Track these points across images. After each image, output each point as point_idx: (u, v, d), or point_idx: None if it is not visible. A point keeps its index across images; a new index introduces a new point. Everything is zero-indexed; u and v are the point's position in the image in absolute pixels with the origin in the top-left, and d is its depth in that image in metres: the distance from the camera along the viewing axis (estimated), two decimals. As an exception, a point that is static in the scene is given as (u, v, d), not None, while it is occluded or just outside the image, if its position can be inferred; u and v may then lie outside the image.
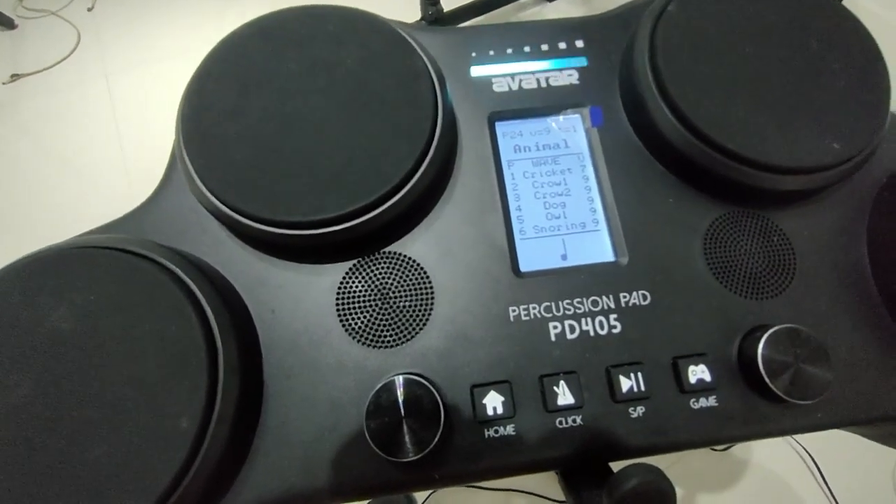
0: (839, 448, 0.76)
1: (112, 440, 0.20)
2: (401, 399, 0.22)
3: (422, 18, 1.35)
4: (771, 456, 0.78)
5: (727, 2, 0.28)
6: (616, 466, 0.24)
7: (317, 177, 0.24)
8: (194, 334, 0.21)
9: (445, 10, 1.34)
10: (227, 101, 0.25)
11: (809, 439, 0.77)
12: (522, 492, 0.80)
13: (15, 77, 1.37)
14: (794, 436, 0.78)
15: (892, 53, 0.30)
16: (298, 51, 0.27)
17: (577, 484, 0.23)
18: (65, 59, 1.41)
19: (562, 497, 0.80)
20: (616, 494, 0.19)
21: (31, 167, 1.24)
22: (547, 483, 0.81)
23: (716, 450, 0.80)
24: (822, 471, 0.74)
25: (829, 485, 0.73)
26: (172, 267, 0.23)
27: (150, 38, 1.45)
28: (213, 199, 0.24)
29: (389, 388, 0.22)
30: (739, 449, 0.79)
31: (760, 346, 0.22)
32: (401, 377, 0.22)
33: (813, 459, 0.75)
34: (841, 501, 0.73)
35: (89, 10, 1.53)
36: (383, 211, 0.24)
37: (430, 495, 0.78)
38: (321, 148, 0.24)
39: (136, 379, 0.21)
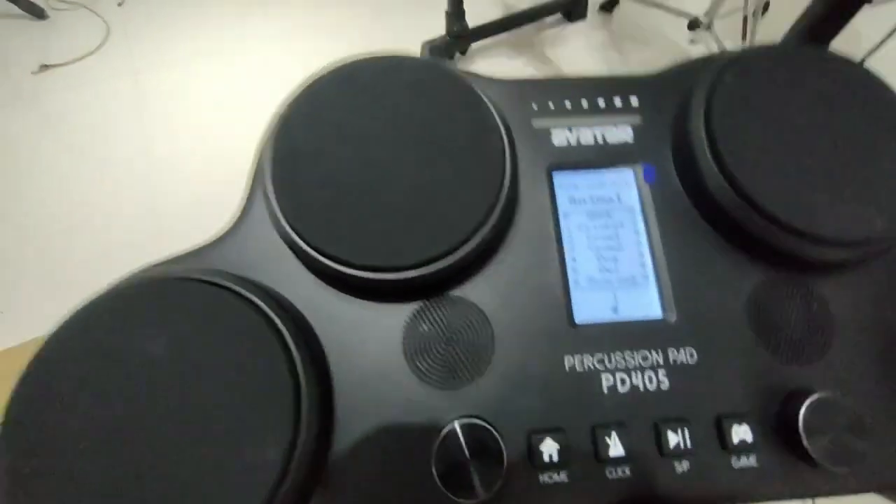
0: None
1: (200, 466, 0.21)
2: (466, 443, 0.23)
3: (446, 34, 1.37)
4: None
5: (779, 76, 0.30)
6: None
7: (394, 223, 0.25)
8: (280, 368, 0.23)
9: (470, 27, 1.36)
10: (312, 146, 0.27)
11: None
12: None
13: (44, 67, 1.39)
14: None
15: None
16: (376, 100, 0.28)
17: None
18: (93, 52, 1.43)
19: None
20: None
21: (54, 158, 1.26)
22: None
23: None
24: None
25: None
26: (259, 302, 0.24)
27: (178, 36, 1.48)
28: (297, 239, 0.25)
29: (455, 432, 0.23)
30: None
31: (801, 412, 0.24)
32: (466, 422, 0.24)
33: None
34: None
35: (119, 4, 1.55)
36: (456, 259, 0.25)
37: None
38: (398, 195, 0.26)
39: (225, 409, 0.22)
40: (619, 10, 1.51)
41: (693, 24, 1.37)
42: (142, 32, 1.49)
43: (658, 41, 1.46)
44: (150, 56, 1.44)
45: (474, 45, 1.42)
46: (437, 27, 1.36)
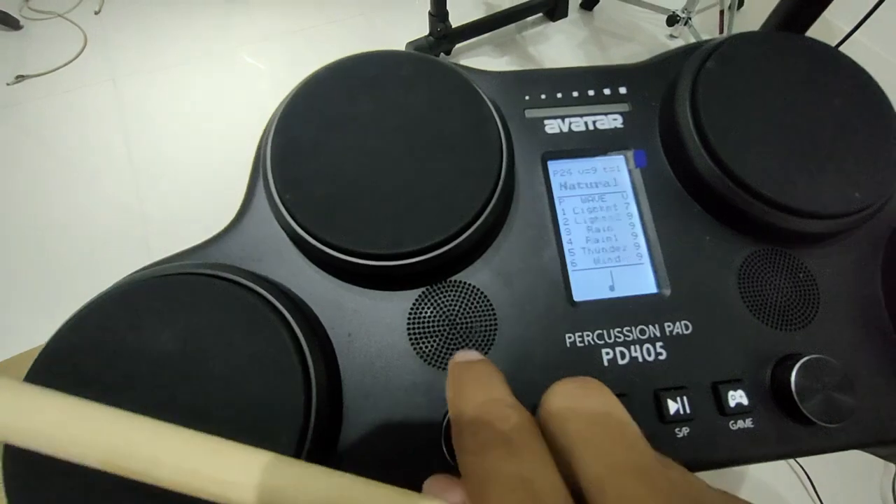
0: (830, 463, 0.79)
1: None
2: (475, 418, 0.24)
3: (430, 34, 1.38)
4: (765, 469, 0.81)
5: (760, 61, 0.31)
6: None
7: (395, 212, 0.26)
8: (290, 357, 0.23)
9: (452, 27, 1.37)
10: (312, 138, 0.27)
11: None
12: None
13: (20, 78, 1.37)
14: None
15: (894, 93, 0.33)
16: (375, 93, 0.29)
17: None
18: (71, 61, 1.41)
19: None
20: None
21: (35, 169, 1.24)
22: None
23: (714, 462, 0.83)
24: (815, 484, 0.78)
25: (821, 497, 0.77)
26: (266, 294, 0.24)
27: (157, 43, 1.46)
28: (299, 230, 0.26)
29: (464, 407, 0.24)
30: (736, 461, 0.82)
31: (793, 374, 0.25)
32: (474, 398, 0.24)
33: (806, 473, 0.79)
34: (833, 512, 0.76)
35: (96, 13, 1.53)
36: (456, 245, 0.26)
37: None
38: (398, 185, 0.27)
39: (238, 398, 0.22)
40: (599, 8, 1.54)
41: (671, 20, 1.40)
42: (120, 40, 1.47)
43: (638, 37, 1.49)
44: (129, 64, 1.42)
45: (458, 46, 1.44)
46: (420, 28, 1.37)
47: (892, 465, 0.80)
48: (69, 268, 1.07)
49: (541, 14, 1.53)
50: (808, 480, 0.78)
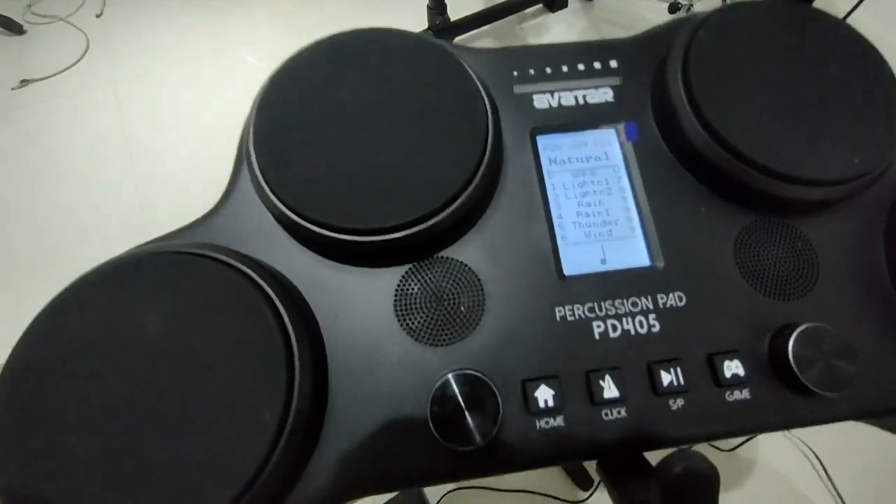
0: (842, 448, 0.78)
1: (199, 432, 0.21)
2: (461, 393, 0.24)
3: (429, 28, 1.38)
4: (776, 455, 0.80)
5: (754, 28, 0.30)
6: (650, 461, 0.26)
7: (380, 187, 0.26)
8: (273, 336, 0.23)
9: (451, 20, 1.37)
10: (295, 116, 0.27)
11: (814, 439, 0.79)
12: (534, 493, 0.81)
13: (24, 83, 1.38)
14: (800, 437, 0.80)
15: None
16: (360, 70, 0.28)
17: (619, 476, 0.25)
18: (73, 65, 1.42)
19: (572, 497, 0.81)
20: (667, 478, 0.21)
21: (39, 172, 1.25)
22: (558, 484, 0.83)
23: (722, 449, 0.82)
24: (827, 469, 0.77)
25: (835, 482, 0.76)
26: (250, 273, 0.24)
27: (159, 45, 1.47)
28: (283, 208, 0.26)
29: (449, 383, 0.24)
30: (745, 449, 0.81)
31: (791, 342, 0.24)
32: (459, 373, 0.24)
33: (818, 458, 0.78)
34: (846, 499, 0.75)
35: (98, 16, 1.55)
36: (441, 219, 0.26)
37: (444, 496, 0.79)
38: (383, 160, 0.26)
39: (221, 376, 0.22)
40: (598, -3, 1.52)
41: (673, 8, 1.38)
42: (122, 43, 1.48)
43: (639, 26, 1.46)
44: (132, 66, 1.43)
45: (457, 38, 1.43)
46: (419, 22, 1.36)
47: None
48: (67, 269, 1.08)
49: (540, 5, 1.51)
50: (821, 468, 0.77)
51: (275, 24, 1.50)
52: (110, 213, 1.18)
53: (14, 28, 1.46)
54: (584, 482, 0.82)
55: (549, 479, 0.84)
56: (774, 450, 0.79)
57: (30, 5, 1.55)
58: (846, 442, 0.77)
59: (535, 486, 0.82)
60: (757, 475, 0.79)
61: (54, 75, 1.40)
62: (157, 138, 1.29)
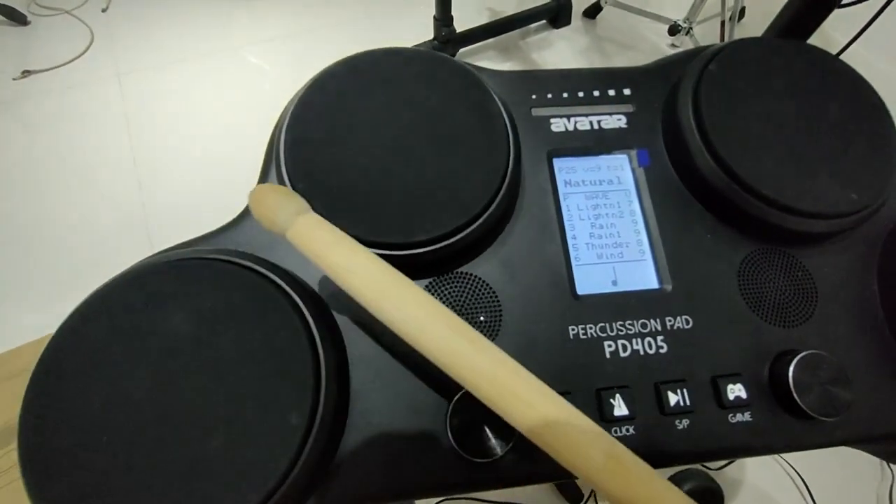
0: (827, 469, 0.80)
1: (227, 434, 0.22)
2: (479, 406, 0.24)
3: (434, 38, 1.40)
4: (762, 476, 0.82)
5: (761, 65, 0.32)
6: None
7: (406, 203, 0.27)
8: (300, 340, 0.24)
9: (457, 31, 1.39)
10: (325, 129, 0.28)
11: (799, 461, 0.81)
12: (524, 504, 0.82)
13: (26, 73, 1.37)
14: (786, 458, 0.82)
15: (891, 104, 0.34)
16: (386, 87, 0.30)
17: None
18: (77, 58, 1.42)
19: (563, 509, 0.82)
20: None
21: (39, 163, 1.24)
22: (547, 498, 0.83)
23: (710, 468, 0.83)
24: (811, 490, 0.78)
25: (816, 502, 0.77)
26: (277, 280, 0.25)
27: (163, 41, 1.47)
28: (312, 219, 0.26)
29: (468, 395, 0.25)
30: (732, 469, 0.83)
31: (791, 368, 0.26)
32: (478, 386, 0.25)
33: (803, 480, 0.79)
34: (829, 519, 0.76)
35: (104, 10, 1.54)
36: (465, 235, 0.27)
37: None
38: (408, 177, 0.27)
39: (249, 380, 0.23)
40: (601, 16, 1.56)
41: (673, 30, 1.42)
42: (127, 37, 1.48)
43: (640, 45, 1.51)
44: (135, 61, 1.43)
45: (462, 50, 1.45)
46: (424, 32, 1.38)
47: (888, 471, 0.80)
48: (72, 262, 1.07)
49: (544, 21, 1.54)
50: (804, 488, 0.79)
51: (279, 26, 1.51)
52: (110, 206, 1.17)
53: (18, 18, 1.45)
54: (573, 496, 0.83)
55: (539, 492, 0.84)
56: (760, 470, 0.81)
57: (35, -3, 1.54)
58: (829, 463, 0.79)
59: (524, 498, 0.83)
60: (743, 495, 0.81)
61: (57, 67, 1.39)
62: (160, 134, 1.29)
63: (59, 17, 1.50)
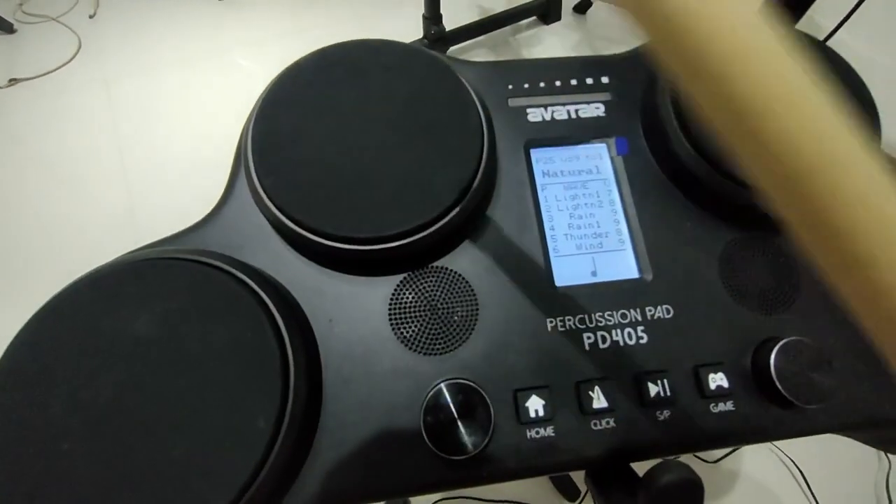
0: (824, 459, 0.79)
1: (193, 438, 0.21)
2: (454, 402, 0.24)
3: (424, 37, 1.39)
4: (759, 467, 0.81)
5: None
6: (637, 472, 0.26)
7: (377, 197, 0.26)
8: (268, 341, 0.23)
9: (447, 29, 1.38)
10: (293, 125, 0.27)
11: (796, 451, 0.80)
12: (521, 503, 0.81)
13: (13, 81, 1.37)
14: (783, 448, 0.81)
15: (882, 93, 0.33)
16: (356, 80, 0.29)
17: (607, 486, 0.26)
18: (64, 64, 1.41)
19: (559, 507, 0.82)
20: (653, 488, 0.21)
21: (26, 172, 1.23)
22: (545, 494, 0.83)
23: (706, 461, 0.83)
24: (808, 480, 0.78)
25: (815, 493, 0.77)
26: (245, 278, 0.24)
27: (151, 46, 1.46)
28: (280, 215, 0.26)
29: (442, 392, 0.24)
30: (729, 460, 0.82)
31: (773, 356, 0.25)
32: (452, 382, 0.24)
33: (799, 469, 0.79)
34: (826, 509, 0.76)
35: (91, 17, 1.54)
36: (437, 229, 0.26)
37: (432, 505, 0.79)
38: (380, 170, 0.27)
39: (215, 382, 0.22)
40: (592, 12, 1.55)
41: (662, 23, 1.42)
42: (114, 43, 1.47)
43: (631, 40, 1.50)
44: (123, 67, 1.42)
45: (452, 48, 1.44)
46: (414, 31, 1.38)
47: (886, 460, 0.80)
48: (56, 272, 1.06)
49: (534, 17, 1.54)
50: (802, 479, 0.78)
51: (268, 28, 1.51)
52: (99, 214, 1.16)
53: (4, 26, 1.45)
54: (570, 492, 0.82)
55: (537, 489, 0.84)
56: (757, 461, 0.80)
57: (21, 4, 1.53)
58: (826, 453, 0.79)
59: (522, 496, 0.82)
60: (740, 486, 0.80)
61: (44, 75, 1.39)
62: (148, 140, 1.28)
63: (45, 25, 1.50)
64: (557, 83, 0.33)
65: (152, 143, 1.28)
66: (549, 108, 0.32)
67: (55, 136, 1.28)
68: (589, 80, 0.34)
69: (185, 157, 1.25)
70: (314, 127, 0.28)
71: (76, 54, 1.44)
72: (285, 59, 0.29)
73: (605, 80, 0.34)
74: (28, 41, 1.46)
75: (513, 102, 0.32)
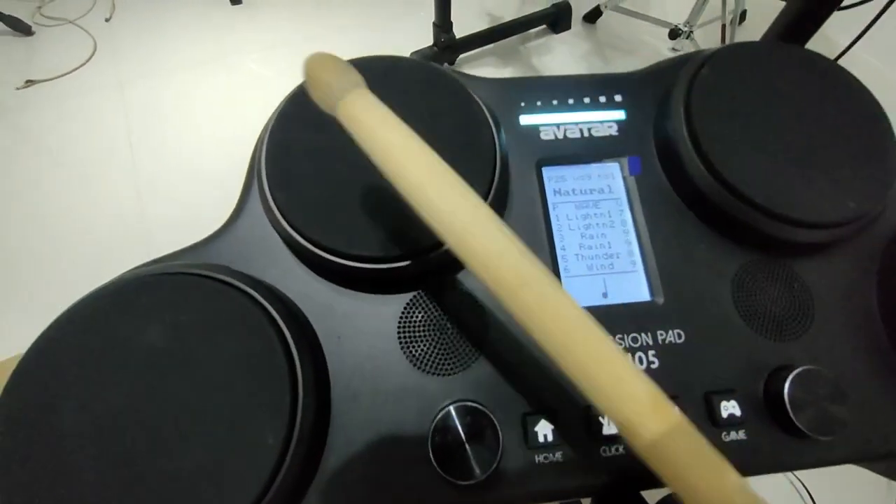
0: (830, 476, 0.78)
1: (201, 452, 0.21)
2: (462, 425, 0.24)
3: (434, 45, 1.40)
4: (764, 483, 0.80)
5: (755, 70, 0.31)
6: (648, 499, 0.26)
7: (388, 215, 0.26)
8: (277, 357, 0.23)
9: (457, 37, 1.39)
10: (307, 140, 0.28)
11: (805, 472, 0.79)
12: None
13: (29, 83, 1.39)
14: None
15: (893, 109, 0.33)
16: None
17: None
18: (80, 67, 1.43)
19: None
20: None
21: (40, 172, 1.25)
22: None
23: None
24: (815, 499, 0.76)
25: (824, 515, 0.76)
26: (255, 294, 0.24)
27: (166, 50, 1.48)
28: (293, 232, 0.26)
29: (451, 415, 0.24)
30: (737, 477, 0.81)
31: (786, 385, 0.25)
32: (461, 405, 0.24)
33: (805, 487, 0.78)
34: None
35: (107, 20, 1.56)
36: (447, 249, 0.26)
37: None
38: (390, 189, 0.27)
39: (224, 397, 0.22)
40: (602, 21, 1.55)
41: (674, 33, 1.42)
42: (129, 46, 1.50)
43: (641, 50, 1.50)
44: (137, 70, 1.44)
45: (461, 56, 1.45)
46: (424, 38, 1.38)
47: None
48: (69, 272, 1.08)
49: (544, 26, 1.54)
50: (808, 497, 0.77)
51: (280, 33, 1.52)
52: (110, 216, 1.18)
53: (22, 29, 1.47)
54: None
55: None
56: (765, 481, 0.79)
57: (39, 7, 1.56)
58: (835, 472, 0.78)
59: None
60: None
61: (60, 77, 1.41)
62: (161, 144, 1.30)
63: (62, 27, 1.52)
64: (570, 101, 0.33)
65: (164, 144, 1.29)
66: (562, 127, 0.32)
67: (69, 136, 1.30)
68: (602, 98, 0.33)
69: (196, 158, 1.26)
70: (327, 144, 0.28)
71: (91, 56, 1.46)
72: (296, 65, 0.30)
73: (618, 98, 0.34)
74: (45, 43, 1.49)
75: (525, 120, 0.32)
